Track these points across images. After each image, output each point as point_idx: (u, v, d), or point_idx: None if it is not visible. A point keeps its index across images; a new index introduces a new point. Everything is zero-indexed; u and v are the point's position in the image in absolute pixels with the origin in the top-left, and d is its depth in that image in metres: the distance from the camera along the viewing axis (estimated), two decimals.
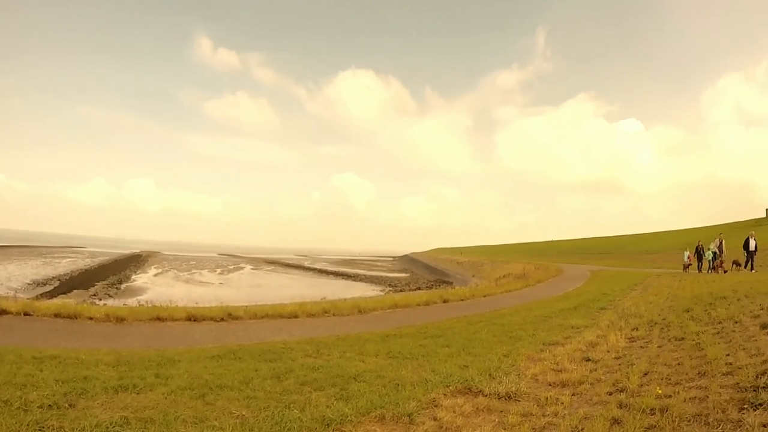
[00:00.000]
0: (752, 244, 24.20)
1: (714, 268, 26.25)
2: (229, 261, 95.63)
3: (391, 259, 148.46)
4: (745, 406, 4.03)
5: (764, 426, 3.51)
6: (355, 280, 56.85)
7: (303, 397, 5.26)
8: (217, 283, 47.51)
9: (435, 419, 4.69)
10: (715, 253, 26.51)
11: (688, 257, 31.09)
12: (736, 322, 8.09)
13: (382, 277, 63.73)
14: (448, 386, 5.75)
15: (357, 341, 8.99)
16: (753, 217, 71.16)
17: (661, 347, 7.52)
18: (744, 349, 6.14)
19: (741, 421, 3.73)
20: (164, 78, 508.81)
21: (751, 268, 23.75)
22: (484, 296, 19.71)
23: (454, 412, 4.91)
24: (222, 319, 11.60)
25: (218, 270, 66.92)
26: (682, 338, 7.80)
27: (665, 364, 6.29)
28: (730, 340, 6.88)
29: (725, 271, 25.19)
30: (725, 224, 68.88)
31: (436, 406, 5.10)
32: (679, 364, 6.19)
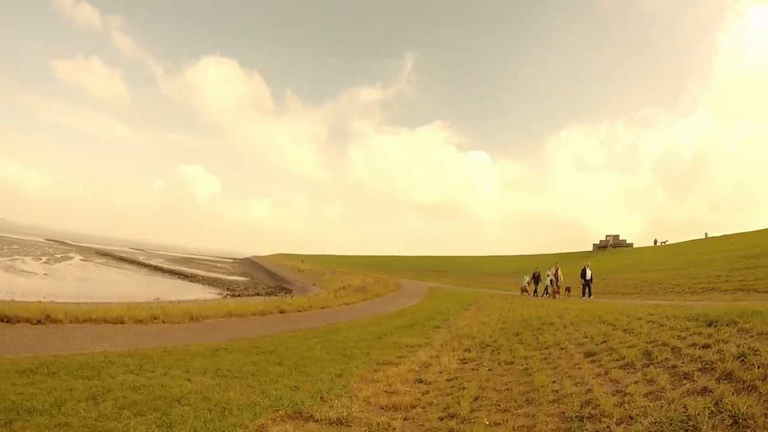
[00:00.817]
0: (588, 273, 26.18)
1: (551, 293, 28.46)
2: (57, 248, 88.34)
3: (231, 261, 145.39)
4: None
5: None
6: (192, 281, 54.83)
7: (121, 425, 4.83)
8: (41, 273, 43.24)
9: None
10: (551, 280, 28.76)
11: (528, 282, 33.80)
12: (562, 349, 8.93)
13: (221, 279, 62.16)
14: (277, 410, 5.68)
15: (185, 355, 8.48)
16: (581, 250, 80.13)
17: (491, 370, 8.06)
18: (569, 376, 6.79)
19: None
20: (11, 21, 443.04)
21: (589, 295, 25.70)
22: (322, 308, 19.82)
23: None
24: (39, 322, 10.34)
25: (44, 258, 61.71)
26: (512, 362, 8.46)
27: (495, 389, 6.74)
28: (557, 367, 7.58)
29: (566, 294, 28.21)
30: (556, 254, 76.93)
31: None
32: (508, 389, 6.67)
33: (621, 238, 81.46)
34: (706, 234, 61.93)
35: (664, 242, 67.95)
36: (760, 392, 4.29)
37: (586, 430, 4.45)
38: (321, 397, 6.35)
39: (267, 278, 71.86)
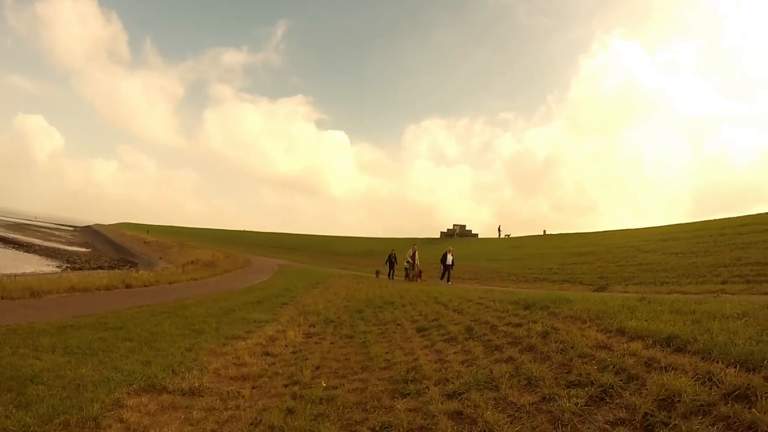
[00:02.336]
0: (449, 258, 25.87)
1: (411, 277, 27.63)
2: None
3: (71, 228, 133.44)
4: (396, 395, 5.09)
5: (409, 410, 4.51)
6: (28, 251, 50.27)
7: None
8: None
9: (122, 421, 4.71)
10: (409, 262, 28.07)
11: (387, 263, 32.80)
12: (398, 325, 9.78)
13: (60, 250, 57.58)
14: (131, 385, 5.75)
15: (30, 333, 8.08)
16: (430, 237, 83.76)
17: (333, 344, 8.67)
18: (401, 348, 7.59)
19: (392, 407, 4.71)
20: None
21: (448, 280, 25.43)
22: (170, 283, 19.42)
23: (140, 411, 5.00)
24: None
25: None
26: (352, 336, 9.14)
27: (335, 360, 7.35)
28: (391, 340, 8.37)
29: (418, 279, 27.64)
30: (407, 238, 79.71)
31: (121, 406, 5.09)
32: (346, 359, 7.30)
33: (467, 228, 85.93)
34: (544, 231, 67.33)
35: (508, 235, 71.98)
36: (552, 361, 5.23)
37: (408, 390, 5.18)
38: (173, 371, 6.48)
39: (110, 250, 67.91)
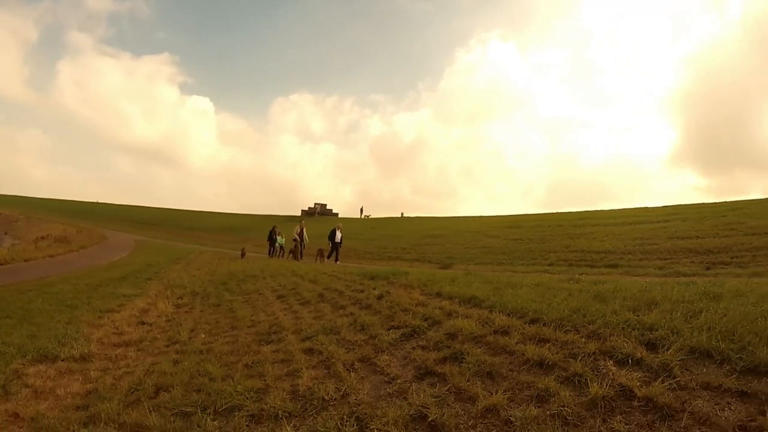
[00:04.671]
0: (338, 235, 24.47)
1: (298, 255, 26.03)
2: None
3: None
4: (262, 343, 6.44)
5: (273, 351, 5.86)
6: None
7: None
8: None
9: (27, 386, 5.41)
10: (295, 240, 26.37)
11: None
12: (260, 294, 10.99)
13: None
14: (25, 356, 6.30)
15: None
16: (290, 214, 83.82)
17: (203, 311, 9.68)
18: (264, 311, 8.89)
19: (259, 350, 6.06)
20: None
21: (336, 259, 23.98)
22: (26, 261, 18.72)
23: (42, 377, 5.70)
24: None
25: None
26: (219, 305, 10.20)
27: (207, 323, 8.45)
28: (255, 306, 9.59)
29: (320, 259, 24.73)
30: (268, 215, 79.58)
31: (21, 375, 5.70)
32: (217, 322, 8.44)
33: (328, 207, 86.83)
34: (402, 213, 70.40)
35: (368, 216, 73.18)
36: (382, 314, 6.86)
37: (271, 339, 6.55)
38: (59, 342, 7.03)
39: None
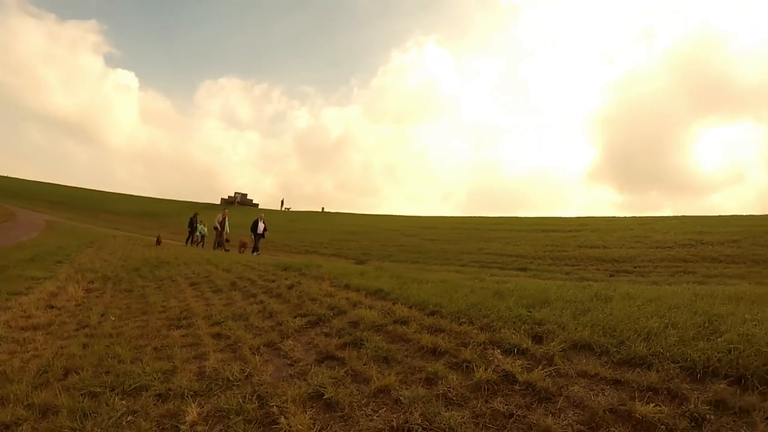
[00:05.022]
0: (260, 226, 23.24)
1: (220, 244, 24.81)
2: None
3: None
4: (172, 328, 6.59)
5: (182, 336, 6.02)
6: None
7: None
8: None
9: None
10: (216, 228, 25.20)
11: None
12: (173, 281, 10.98)
13: None
14: None
15: None
16: (210, 202, 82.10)
17: (114, 296, 9.59)
18: (176, 297, 8.97)
19: (169, 335, 6.21)
20: None
21: (254, 250, 22.86)
22: None
23: None
24: None
25: None
26: (131, 290, 10.12)
27: (117, 308, 8.41)
28: (167, 292, 9.63)
29: (241, 249, 24.24)
30: (187, 202, 77.56)
31: None
32: (128, 307, 8.43)
33: (249, 197, 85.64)
34: (323, 208, 70.47)
35: (288, 208, 73.04)
36: (291, 302, 7.18)
37: (181, 324, 6.70)
38: None
39: None
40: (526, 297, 6.09)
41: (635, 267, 16.72)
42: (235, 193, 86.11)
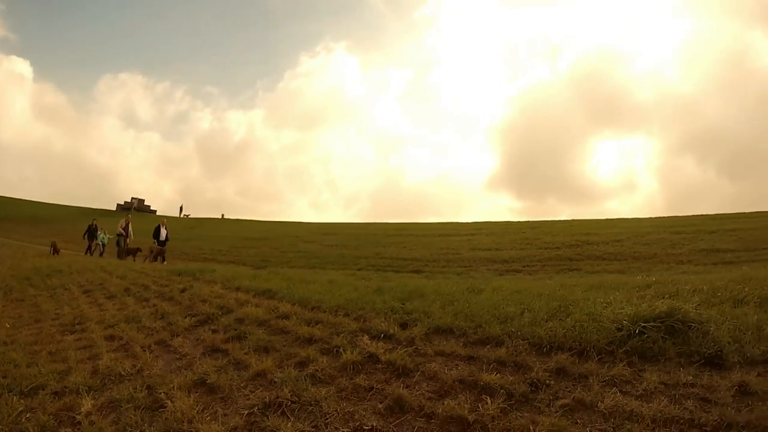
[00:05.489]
0: (163, 233, 21.95)
1: (123, 253, 22.95)
2: None
3: None
4: (66, 333, 6.85)
5: (76, 340, 6.30)
6: None
7: None
8: None
9: None
10: (120, 235, 23.32)
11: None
12: (66, 289, 10.97)
13: None
14: None
15: None
16: (105, 208, 78.01)
17: (5, 306, 9.53)
18: (69, 305, 9.11)
19: (63, 339, 6.53)
20: None
21: (154, 259, 21.33)
22: None
23: None
24: None
25: None
26: (23, 299, 10.07)
27: (9, 317, 8.44)
28: (60, 300, 9.69)
29: (150, 258, 21.85)
30: (79, 207, 73.14)
31: None
32: (20, 316, 8.49)
33: (146, 203, 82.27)
34: (222, 215, 68.90)
35: (187, 215, 70.32)
36: (182, 304, 7.66)
37: (75, 329, 7.00)
38: None
39: None
40: (404, 292, 6.80)
41: (524, 266, 18.02)
42: (132, 198, 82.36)
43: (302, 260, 23.15)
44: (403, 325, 5.25)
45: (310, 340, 5.18)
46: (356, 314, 5.84)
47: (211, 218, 66.56)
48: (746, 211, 31.13)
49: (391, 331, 5.04)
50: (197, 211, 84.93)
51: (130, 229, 23.38)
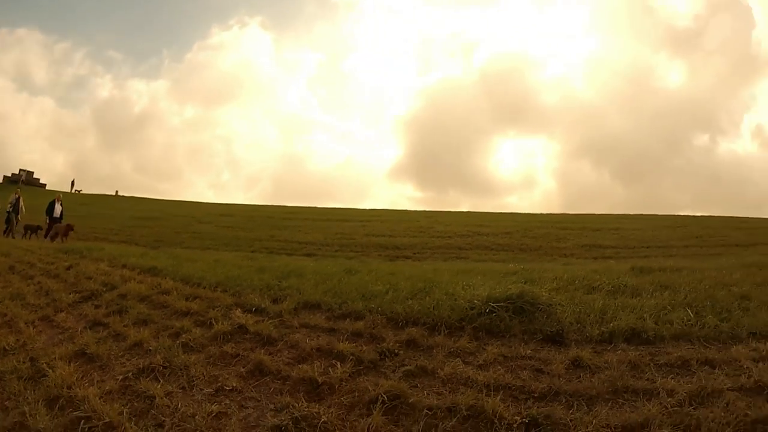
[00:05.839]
0: (57, 209, 20.38)
1: (24, 230, 20.73)
2: None
3: None
4: None
5: None
6: None
7: None
8: None
9: None
10: (9, 212, 21.41)
11: None
12: None
13: None
14: None
15: None
16: None
17: None
18: None
19: None
20: None
21: (61, 238, 18.41)
22: None
23: None
24: None
25: None
26: None
27: None
28: None
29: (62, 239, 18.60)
30: None
31: None
32: None
33: (36, 176, 76.33)
34: (117, 192, 65.16)
35: (79, 191, 66.12)
36: (67, 281, 7.91)
37: None
38: None
39: None
40: (284, 271, 7.32)
41: (414, 253, 18.85)
42: (20, 170, 75.56)
43: (197, 241, 22.87)
44: (276, 300, 5.79)
45: (187, 313, 5.63)
46: (234, 290, 6.33)
47: (104, 195, 63.22)
48: (632, 213, 34.28)
49: (263, 306, 5.57)
50: (90, 186, 79.82)
51: (21, 204, 21.70)
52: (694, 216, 33.79)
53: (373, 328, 4.78)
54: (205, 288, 6.66)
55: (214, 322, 5.15)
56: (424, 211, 36.93)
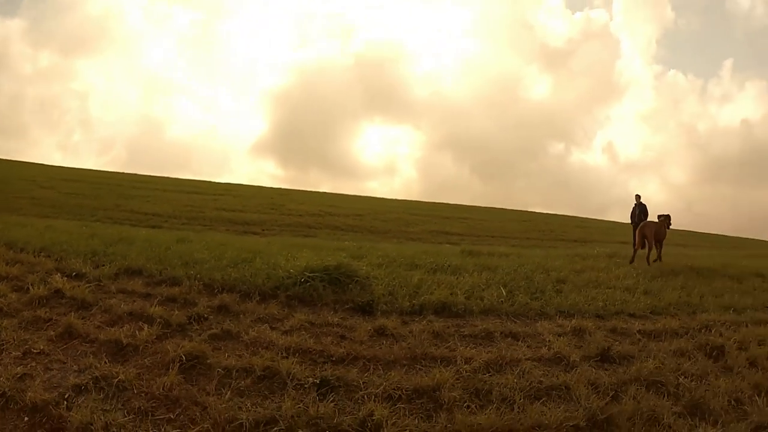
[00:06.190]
0: None
1: None
2: None
3: None
4: None
5: None
6: None
7: None
8: None
9: None
10: None
11: None
12: None
13: None
14: None
15: None
16: None
17: None
18: None
19: None
20: None
21: None
22: None
23: None
24: None
25: None
26: None
27: None
28: None
29: None
30: None
31: None
32: None
33: None
34: None
35: None
36: None
37: None
38: None
39: None
40: (114, 238, 7.23)
41: (263, 230, 18.77)
42: None
43: (35, 208, 20.90)
44: (98, 266, 5.75)
45: (5, 278, 5.39)
46: (57, 255, 6.17)
47: None
48: (483, 205, 36.41)
49: (84, 271, 5.53)
50: None
51: None
52: (540, 213, 37.25)
53: (188, 294, 4.99)
54: (28, 253, 6.39)
55: (31, 287, 5.06)
56: (278, 188, 37.06)
